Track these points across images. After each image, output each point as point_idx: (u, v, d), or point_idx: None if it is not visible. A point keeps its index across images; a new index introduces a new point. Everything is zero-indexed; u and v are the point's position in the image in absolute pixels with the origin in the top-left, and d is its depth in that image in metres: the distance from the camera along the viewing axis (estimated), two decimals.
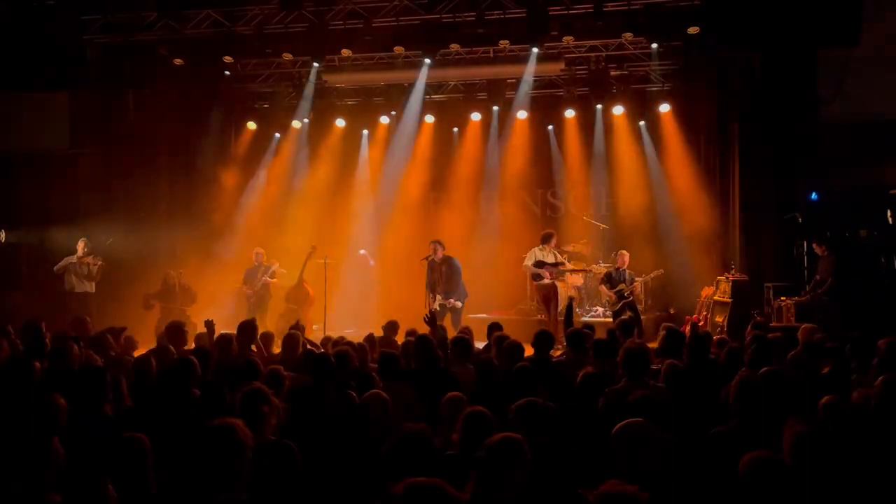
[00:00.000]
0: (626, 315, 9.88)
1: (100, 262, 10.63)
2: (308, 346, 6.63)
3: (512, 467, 2.92)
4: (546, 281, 10.66)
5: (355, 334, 8.26)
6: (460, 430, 3.51)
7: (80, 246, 10.61)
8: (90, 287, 10.65)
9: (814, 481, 3.01)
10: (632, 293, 10.48)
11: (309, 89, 12.27)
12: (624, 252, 10.84)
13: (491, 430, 3.36)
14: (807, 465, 3.09)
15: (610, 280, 10.76)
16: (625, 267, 10.69)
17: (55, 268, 10.62)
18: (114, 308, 10.57)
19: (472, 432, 3.42)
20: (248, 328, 6.68)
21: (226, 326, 7.09)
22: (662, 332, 6.30)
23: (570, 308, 7.58)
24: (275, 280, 11.28)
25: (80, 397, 4.20)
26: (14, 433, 3.26)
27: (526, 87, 12.52)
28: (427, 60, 11.22)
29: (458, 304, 10.03)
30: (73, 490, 2.80)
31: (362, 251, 12.57)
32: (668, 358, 5.53)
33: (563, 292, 11.98)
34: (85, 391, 4.31)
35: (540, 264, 10.75)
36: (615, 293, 10.59)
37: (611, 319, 10.29)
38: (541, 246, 10.92)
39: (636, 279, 10.64)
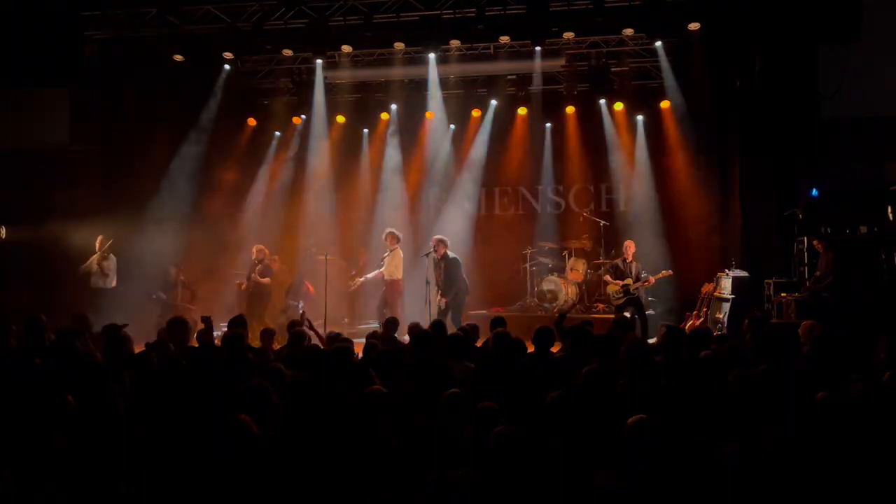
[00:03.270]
0: (628, 311, 9.89)
1: (95, 261, 10.61)
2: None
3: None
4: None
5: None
6: (472, 426, 3.53)
7: (97, 243, 10.59)
8: (104, 283, 10.63)
9: (807, 477, 3.02)
10: (638, 289, 10.43)
11: (311, 85, 12.27)
12: (629, 242, 10.79)
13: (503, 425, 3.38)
14: (802, 461, 3.09)
15: (616, 271, 10.70)
16: (630, 258, 10.63)
17: (81, 268, 10.59)
18: (114, 305, 10.57)
19: (483, 427, 3.44)
20: (238, 323, 6.71)
21: (225, 322, 7.10)
22: (662, 330, 6.30)
23: (562, 317, 7.52)
24: (265, 280, 11.22)
25: (82, 392, 4.20)
26: (17, 428, 3.27)
27: (526, 83, 12.53)
28: (432, 56, 11.21)
29: (443, 302, 10.06)
30: (79, 485, 2.81)
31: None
32: (667, 354, 5.55)
33: (565, 288, 12.01)
34: (87, 386, 4.31)
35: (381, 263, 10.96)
36: (621, 286, 10.55)
37: (612, 315, 10.27)
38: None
39: (646, 276, 10.53)
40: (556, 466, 3.29)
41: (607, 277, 10.92)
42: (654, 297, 11.84)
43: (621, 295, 10.56)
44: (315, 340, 6.95)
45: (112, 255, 10.71)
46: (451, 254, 10.29)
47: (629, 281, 10.48)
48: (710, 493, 3.16)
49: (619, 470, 2.74)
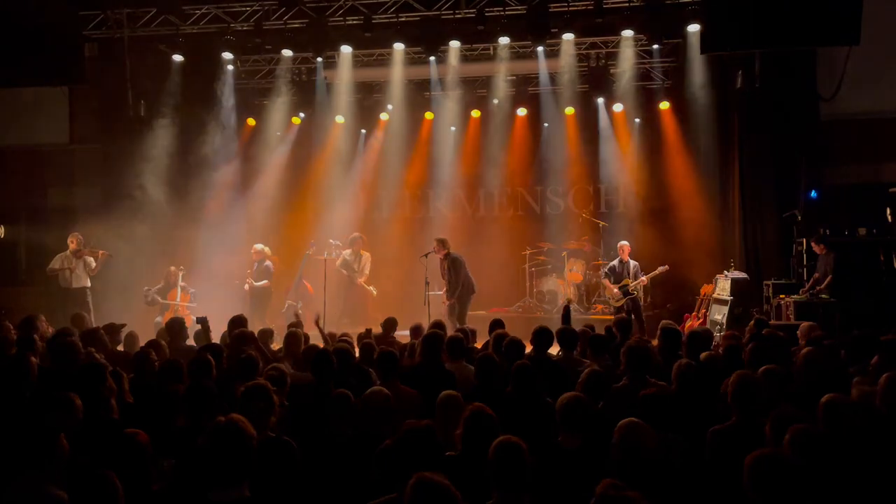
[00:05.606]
0: (626, 311, 9.87)
1: (100, 252, 10.54)
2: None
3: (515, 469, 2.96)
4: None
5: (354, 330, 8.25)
6: (462, 429, 3.51)
7: (73, 242, 10.50)
8: (87, 282, 10.58)
9: (816, 479, 3.01)
10: (637, 288, 10.45)
11: (310, 86, 12.27)
12: (624, 244, 10.80)
13: (494, 429, 3.36)
14: (809, 463, 3.09)
15: (613, 273, 10.72)
16: (627, 259, 10.65)
17: (48, 269, 10.47)
18: (114, 304, 10.56)
19: (475, 432, 3.43)
20: (239, 322, 6.72)
21: (225, 323, 7.08)
22: (660, 331, 6.32)
23: (567, 310, 7.51)
24: (262, 283, 11.22)
25: (80, 393, 4.19)
26: (16, 429, 3.26)
27: (526, 84, 12.54)
28: (431, 57, 11.21)
29: (455, 303, 10.07)
30: (78, 485, 2.80)
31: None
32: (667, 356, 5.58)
33: (564, 289, 12.01)
34: (86, 387, 4.30)
35: (346, 265, 11.31)
36: (619, 288, 10.57)
37: (612, 316, 10.27)
38: (351, 249, 11.61)
39: (642, 274, 10.57)
40: (563, 470, 3.30)
41: (605, 282, 10.94)
42: (654, 298, 11.86)
43: (620, 297, 10.58)
44: (319, 340, 6.97)
45: (99, 251, 10.65)
46: (452, 253, 10.28)
47: (627, 281, 10.50)
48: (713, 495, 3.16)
49: (622, 478, 2.73)
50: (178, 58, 11.27)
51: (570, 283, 12.16)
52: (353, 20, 10.32)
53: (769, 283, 10.07)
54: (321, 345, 6.57)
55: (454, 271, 10.10)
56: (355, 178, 13.57)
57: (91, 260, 10.51)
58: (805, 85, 10.54)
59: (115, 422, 4.16)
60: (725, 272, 10.34)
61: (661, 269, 10.63)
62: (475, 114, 13.11)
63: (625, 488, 2.56)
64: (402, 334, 7.78)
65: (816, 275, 9.58)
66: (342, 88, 12.62)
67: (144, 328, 9.70)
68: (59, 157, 12.50)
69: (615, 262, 10.80)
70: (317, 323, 7.41)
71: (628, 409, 3.67)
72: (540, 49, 11.14)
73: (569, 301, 8.16)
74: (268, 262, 11.35)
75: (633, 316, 10.06)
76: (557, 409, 3.76)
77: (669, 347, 5.78)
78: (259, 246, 11.41)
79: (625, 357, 4.88)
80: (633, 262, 10.67)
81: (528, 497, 2.98)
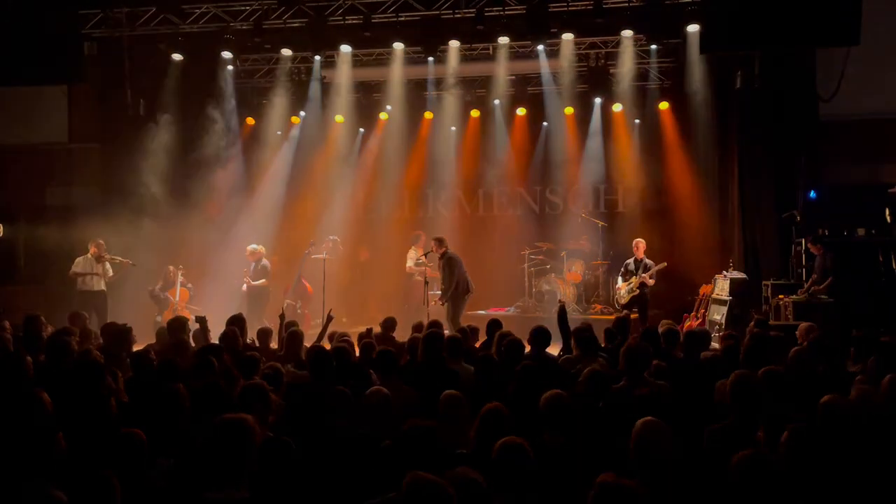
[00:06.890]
0: (626, 313, 9.88)
1: (125, 262, 10.53)
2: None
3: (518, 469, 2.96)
4: (419, 278, 11.14)
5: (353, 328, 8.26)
6: (477, 428, 3.52)
7: (94, 248, 10.44)
8: (104, 285, 10.55)
9: (805, 480, 3.02)
10: (642, 285, 10.47)
11: (309, 85, 12.26)
12: (639, 240, 10.81)
13: (509, 428, 3.36)
14: (799, 464, 3.09)
15: (626, 272, 10.79)
16: (642, 256, 10.67)
17: (71, 273, 10.37)
18: (113, 302, 10.56)
19: (489, 431, 3.42)
20: (237, 322, 6.71)
21: (224, 322, 7.08)
22: (662, 329, 6.32)
23: (563, 311, 7.40)
24: (261, 282, 11.18)
25: (77, 392, 4.19)
26: (13, 430, 3.26)
27: (525, 84, 12.53)
28: (431, 58, 11.21)
29: (440, 301, 10.11)
30: (77, 485, 2.79)
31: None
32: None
33: (563, 289, 12.02)
34: (82, 386, 4.30)
35: (420, 264, 11.21)
36: (626, 288, 10.64)
37: (612, 316, 10.27)
38: (414, 247, 11.59)
39: (645, 275, 10.57)
40: (559, 469, 3.29)
41: (619, 279, 11.00)
42: (652, 298, 11.83)
43: (625, 293, 10.65)
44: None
45: (118, 258, 10.65)
46: (449, 252, 10.27)
47: (633, 280, 10.55)
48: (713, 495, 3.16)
49: (623, 472, 2.73)
50: (177, 57, 11.28)
51: (569, 283, 12.16)
52: (353, 20, 10.32)
53: (768, 283, 10.07)
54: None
55: (448, 271, 10.09)
56: (354, 177, 13.56)
57: (109, 267, 10.50)
58: (804, 85, 10.54)
59: (113, 421, 4.16)
60: (724, 272, 10.34)
61: (660, 265, 10.65)
62: (475, 114, 13.11)
63: (621, 478, 2.57)
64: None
65: (814, 276, 9.57)
66: (341, 88, 12.61)
67: (145, 327, 9.71)
68: (58, 156, 12.50)
69: (630, 261, 10.82)
70: (330, 315, 7.40)
71: (626, 409, 3.67)
72: (540, 48, 11.15)
73: (561, 303, 7.97)
74: (265, 261, 11.32)
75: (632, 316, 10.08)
76: (540, 407, 3.76)
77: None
78: (252, 246, 11.35)
79: (623, 357, 4.88)
80: (647, 261, 10.66)
81: (532, 497, 2.99)
